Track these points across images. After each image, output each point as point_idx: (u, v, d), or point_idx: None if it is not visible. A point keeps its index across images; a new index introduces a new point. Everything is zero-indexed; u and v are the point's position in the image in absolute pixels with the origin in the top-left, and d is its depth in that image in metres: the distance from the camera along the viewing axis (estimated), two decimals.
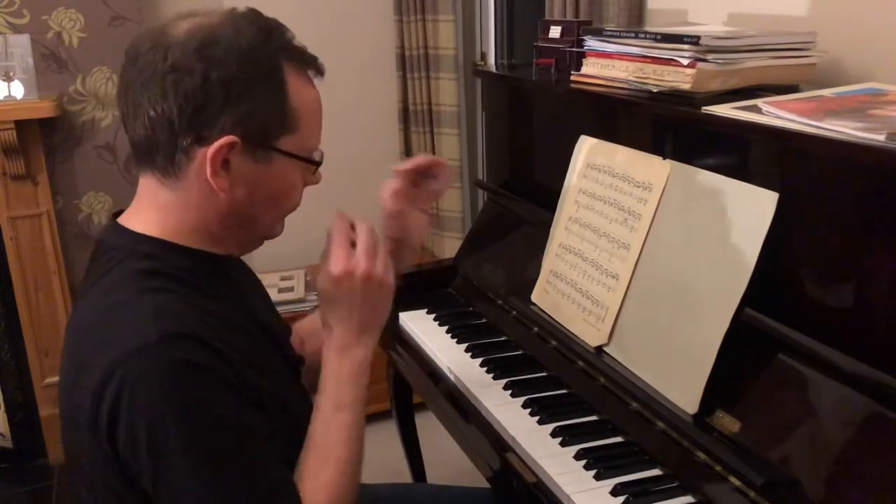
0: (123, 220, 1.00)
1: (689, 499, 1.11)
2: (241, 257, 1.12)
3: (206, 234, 0.99)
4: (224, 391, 0.88)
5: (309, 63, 1.00)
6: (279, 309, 1.32)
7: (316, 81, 1.01)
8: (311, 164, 1.01)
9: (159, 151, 0.94)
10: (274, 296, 2.34)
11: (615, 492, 1.13)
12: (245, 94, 0.91)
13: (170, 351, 0.85)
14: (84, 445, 0.90)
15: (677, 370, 1.17)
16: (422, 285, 1.87)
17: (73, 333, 0.96)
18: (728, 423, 1.11)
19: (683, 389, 1.15)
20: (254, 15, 0.97)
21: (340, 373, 1.02)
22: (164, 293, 0.91)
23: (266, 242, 1.23)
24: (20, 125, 2.32)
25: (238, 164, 0.94)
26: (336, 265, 1.02)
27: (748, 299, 1.11)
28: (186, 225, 0.98)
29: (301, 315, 1.61)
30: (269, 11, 0.99)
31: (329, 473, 0.98)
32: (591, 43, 1.50)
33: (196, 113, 0.90)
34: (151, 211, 0.98)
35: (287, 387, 1.07)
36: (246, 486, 0.88)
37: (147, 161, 0.96)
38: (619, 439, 1.25)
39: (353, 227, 1.06)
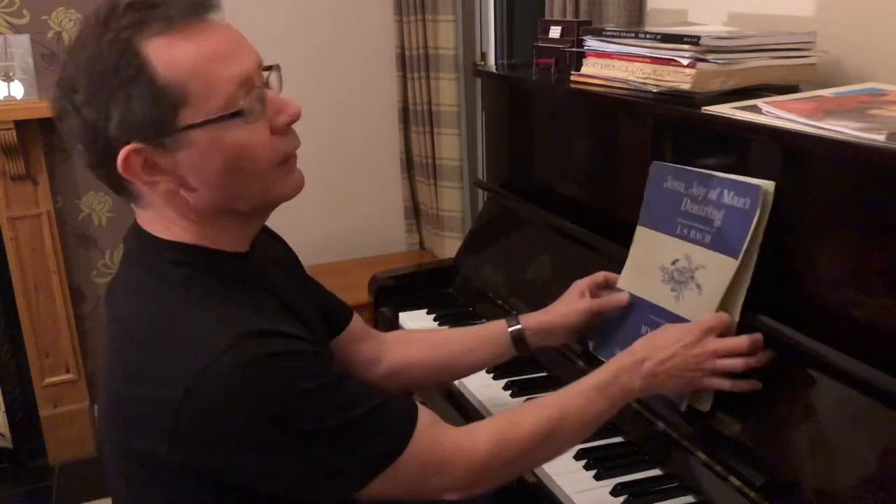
0: (151, 226, 0.97)
1: (689, 499, 1.11)
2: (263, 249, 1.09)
3: (217, 228, 0.96)
4: (308, 360, 0.90)
5: (174, 17, 0.86)
6: None
7: (216, 17, 0.91)
8: (229, 119, 0.88)
9: (111, 187, 0.95)
10: None
11: (615, 492, 1.13)
12: (111, 101, 0.86)
13: (245, 351, 0.84)
14: (143, 448, 0.89)
15: None
16: (422, 285, 1.87)
17: (123, 340, 0.93)
18: (728, 423, 1.11)
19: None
20: (97, 9, 0.89)
21: (617, 381, 1.07)
22: (212, 298, 0.91)
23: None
24: (20, 125, 2.32)
25: (164, 161, 0.89)
26: (710, 327, 1.10)
27: (749, 299, 1.11)
28: (191, 231, 0.95)
29: None
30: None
31: (547, 416, 1.02)
32: (591, 43, 1.50)
33: (93, 146, 0.89)
34: (164, 223, 0.96)
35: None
36: (370, 429, 0.91)
37: (119, 194, 0.97)
38: (619, 439, 1.25)
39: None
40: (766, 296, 1.14)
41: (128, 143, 0.87)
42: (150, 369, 0.87)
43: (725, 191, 1.14)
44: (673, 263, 1.21)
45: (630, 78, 1.40)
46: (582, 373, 1.36)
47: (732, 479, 1.06)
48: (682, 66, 1.29)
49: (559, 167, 1.69)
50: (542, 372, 1.46)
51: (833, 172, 1.06)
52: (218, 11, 0.91)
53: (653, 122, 1.37)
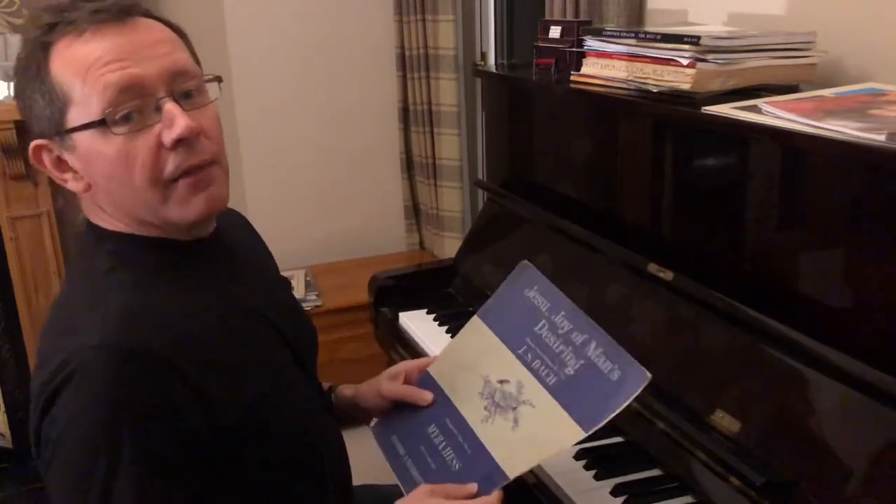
0: (93, 216, 0.97)
1: (689, 499, 1.11)
2: (234, 240, 1.07)
3: (142, 222, 0.93)
4: (153, 426, 0.82)
5: (80, 20, 0.86)
6: None
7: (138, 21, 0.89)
8: (98, 126, 0.85)
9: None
10: None
11: (615, 492, 1.13)
12: (22, 97, 0.90)
13: (110, 359, 0.81)
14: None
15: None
16: (422, 285, 1.87)
17: (39, 336, 0.94)
18: (728, 423, 1.11)
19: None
20: (31, 12, 0.94)
21: None
22: (125, 293, 0.88)
23: (267, 240, 1.23)
24: (20, 125, 2.31)
25: (69, 159, 0.91)
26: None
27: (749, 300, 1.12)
28: (123, 219, 0.93)
29: None
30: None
31: None
32: (591, 43, 1.50)
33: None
34: (100, 219, 0.96)
35: (279, 370, 1.01)
36: None
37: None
38: (619, 439, 1.25)
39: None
40: (766, 295, 1.14)
41: (39, 137, 0.90)
42: (43, 350, 0.88)
43: (595, 344, 0.99)
44: (500, 383, 1.05)
45: (630, 78, 1.40)
46: None
47: (732, 479, 1.06)
48: (682, 66, 1.29)
49: (559, 167, 1.69)
50: None
51: (833, 172, 1.06)
52: (136, 14, 0.89)
53: (653, 122, 1.37)
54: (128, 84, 0.85)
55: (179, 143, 0.87)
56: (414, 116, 2.94)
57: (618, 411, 0.92)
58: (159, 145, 0.87)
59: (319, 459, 1.03)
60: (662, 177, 1.37)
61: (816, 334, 1.05)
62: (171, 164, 0.88)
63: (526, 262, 1.12)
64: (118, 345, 0.82)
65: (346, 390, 1.22)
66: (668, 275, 1.29)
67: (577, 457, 1.20)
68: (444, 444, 1.05)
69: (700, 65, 1.28)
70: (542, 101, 1.75)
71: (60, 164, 0.91)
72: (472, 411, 1.06)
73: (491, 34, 2.90)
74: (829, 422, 1.02)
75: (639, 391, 0.92)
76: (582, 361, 0.99)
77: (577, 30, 1.64)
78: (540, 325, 1.05)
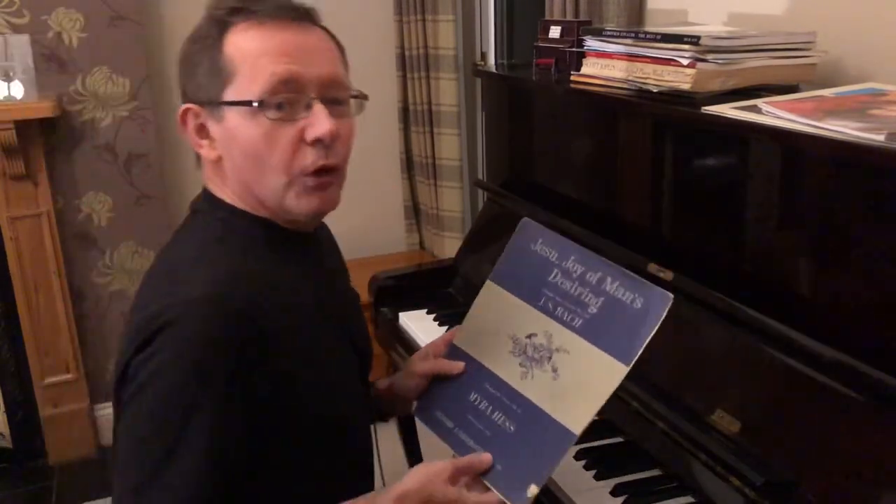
0: (211, 185, 1.05)
1: (689, 499, 1.11)
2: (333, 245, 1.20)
3: (257, 201, 1.00)
4: (236, 376, 0.89)
5: (261, 12, 0.96)
6: None
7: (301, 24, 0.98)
8: (249, 106, 0.94)
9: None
10: None
11: (615, 492, 1.13)
12: (188, 63, 0.99)
13: (217, 313, 0.88)
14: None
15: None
16: (422, 285, 1.87)
17: (143, 280, 1.02)
18: (728, 423, 1.11)
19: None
20: None
21: None
22: (230, 259, 0.96)
23: None
24: (20, 125, 2.31)
25: (211, 129, 0.99)
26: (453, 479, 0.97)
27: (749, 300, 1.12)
28: (241, 194, 1.01)
29: None
30: None
31: None
32: (591, 43, 1.50)
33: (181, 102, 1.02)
34: (220, 191, 1.04)
35: (340, 373, 1.07)
36: (168, 477, 0.86)
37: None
38: (619, 439, 1.25)
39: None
40: (766, 295, 1.14)
41: (190, 102, 0.99)
42: (143, 300, 0.96)
43: (610, 279, 1.01)
44: (529, 337, 1.06)
45: (630, 78, 1.40)
46: None
47: (732, 479, 1.06)
48: (682, 66, 1.29)
49: (559, 167, 1.69)
50: None
51: (833, 172, 1.06)
52: (311, 21, 1.00)
53: (653, 122, 1.37)
54: (289, 78, 0.94)
55: (318, 142, 0.95)
56: (414, 116, 2.94)
57: (650, 337, 0.94)
58: (300, 139, 0.96)
59: (353, 443, 1.10)
60: (662, 177, 1.37)
61: (816, 334, 1.05)
62: (307, 158, 0.96)
63: (526, 218, 1.14)
64: (218, 300, 0.89)
65: (382, 383, 1.28)
66: (668, 275, 1.29)
67: (577, 457, 1.20)
68: (490, 408, 1.06)
69: (700, 65, 1.28)
70: (542, 101, 1.75)
71: (201, 130, 1.00)
72: (508, 371, 1.06)
73: (491, 34, 2.90)
74: (829, 422, 1.02)
75: (664, 313, 0.94)
76: (602, 298, 1.01)
77: (577, 30, 1.64)
78: (553, 274, 1.07)
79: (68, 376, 2.62)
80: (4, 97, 2.34)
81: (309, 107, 0.96)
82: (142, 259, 2.71)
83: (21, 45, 2.35)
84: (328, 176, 0.98)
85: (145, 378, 0.88)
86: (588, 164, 1.60)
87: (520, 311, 1.09)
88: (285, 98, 0.94)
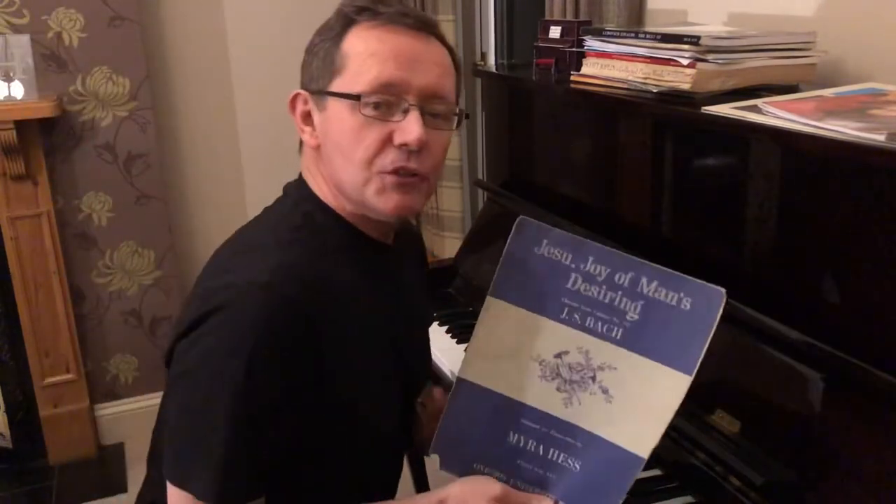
0: (307, 174, 1.08)
1: (689, 499, 1.11)
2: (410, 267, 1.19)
3: (343, 195, 1.02)
4: (277, 367, 0.91)
5: (386, 15, 1.00)
6: None
7: (417, 33, 1.00)
8: (350, 98, 0.97)
9: None
10: None
11: None
12: (309, 52, 1.04)
13: (269, 301, 0.90)
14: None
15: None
16: None
17: (215, 251, 1.06)
18: (728, 423, 1.11)
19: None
20: None
21: None
22: (296, 251, 0.98)
23: None
24: (20, 125, 2.31)
25: (315, 117, 1.03)
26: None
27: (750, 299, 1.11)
28: (331, 188, 1.03)
29: None
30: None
31: None
32: (591, 43, 1.50)
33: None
34: (314, 181, 1.07)
35: (381, 387, 1.06)
36: (203, 455, 0.91)
37: None
38: None
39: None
40: (767, 295, 1.14)
41: (303, 88, 1.04)
42: (209, 272, 1.01)
43: (645, 279, 0.90)
44: (559, 356, 0.92)
45: (630, 78, 1.40)
46: None
47: (732, 479, 1.06)
48: (682, 66, 1.29)
49: (559, 167, 1.69)
50: None
51: (833, 172, 1.06)
52: (430, 32, 1.02)
53: (653, 122, 1.37)
54: (391, 81, 0.97)
55: (404, 146, 0.97)
56: None
57: (709, 340, 0.85)
58: (388, 139, 0.97)
59: (381, 457, 1.12)
60: (662, 177, 1.37)
61: (816, 334, 1.04)
62: (388, 157, 0.98)
63: (522, 216, 1.00)
64: (272, 288, 0.91)
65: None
66: None
67: None
68: (541, 447, 0.93)
69: (700, 65, 1.28)
70: (542, 101, 1.75)
71: (307, 117, 1.04)
72: (545, 400, 0.93)
73: (491, 34, 2.90)
74: (829, 422, 1.02)
75: (720, 311, 0.85)
76: (641, 302, 0.89)
77: (577, 30, 1.64)
78: (571, 280, 0.93)
79: (68, 376, 2.62)
80: (4, 97, 2.34)
81: (406, 112, 0.97)
82: (142, 259, 2.71)
83: (21, 45, 2.35)
84: (410, 179, 0.99)
85: (194, 360, 0.92)
86: (588, 165, 1.60)
87: (538, 328, 0.94)
88: (383, 99, 0.97)
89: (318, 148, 1.03)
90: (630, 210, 1.47)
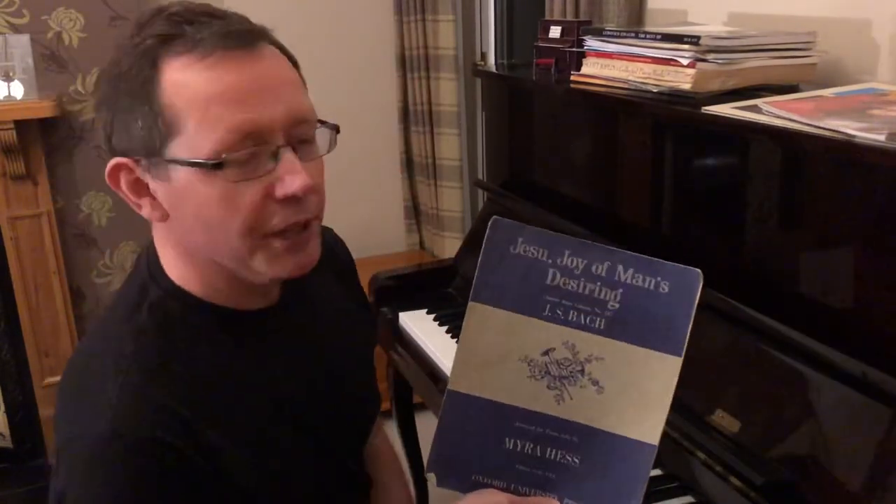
0: (157, 244, 0.91)
1: (689, 499, 1.11)
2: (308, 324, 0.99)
3: (210, 266, 0.86)
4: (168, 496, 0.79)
5: (204, 40, 0.78)
6: None
7: (259, 53, 0.81)
8: (209, 168, 0.77)
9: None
10: None
11: None
12: (114, 108, 0.82)
13: (113, 454, 0.77)
14: None
15: None
16: (422, 285, 1.87)
17: (63, 374, 0.89)
18: (728, 423, 1.11)
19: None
20: (139, 15, 0.83)
21: None
22: (140, 362, 0.82)
23: None
24: (20, 125, 2.31)
25: (151, 185, 0.82)
26: None
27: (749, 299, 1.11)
28: (191, 269, 0.87)
29: None
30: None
31: None
32: (591, 43, 1.50)
33: (105, 150, 0.85)
34: (169, 254, 0.90)
35: (290, 464, 0.92)
36: None
37: None
38: None
39: None
40: (766, 295, 1.14)
41: (121, 155, 0.82)
42: (57, 410, 0.85)
43: (621, 267, 0.90)
44: (546, 354, 0.92)
45: (630, 78, 1.40)
46: None
47: (732, 479, 1.06)
48: (683, 66, 1.29)
49: (559, 167, 1.69)
50: None
51: (833, 172, 1.06)
52: (263, 41, 0.83)
53: (653, 122, 1.37)
54: (250, 130, 0.78)
55: (290, 198, 0.80)
56: (414, 116, 2.94)
57: (692, 320, 0.86)
58: (266, 196, 0.80)
59: None
60: (662, 177, 1.37)
61: (816, 334, 1.04)
62: (276, 218, 0.81)
63: (495, 217, 0.97)
64: (120, 438, 0.77)
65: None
66: None
67: None
68: (537, 448, 0.92)
69: (700, 65, 1.28)
70: (542, 101, 1.75)
71: (139, 187, 0.83)
72: (536, 400, 0.92)
73: (491, 34, 2.90)
74: (829, 422, 1.02)
75: (699, 291, 0.86)
76: (620, 290, 0.89)
77: (577, 30, 1.64)
78: (550, 276, 0.92)
79: None
80: (4, 97, 2.34)
81: (276, 156, 0.79)
82: None
83: (21, 45, 2.35)
84: (304, 233, 0.84)
85: None
86: (588, 164, 1.59)
87: (524, 328, 0.92)
88: (248, 154, 0.78)
89: (166, 218, 0.84)
90: (630, 210, 1.47)
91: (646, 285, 0.89)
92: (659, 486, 1.13)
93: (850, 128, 1.01)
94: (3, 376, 2.58)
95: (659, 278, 0.89)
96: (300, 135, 0.83)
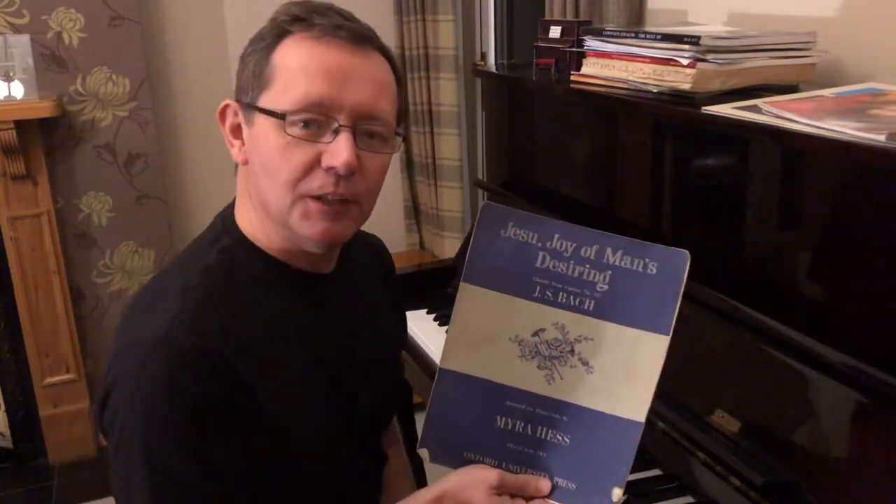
0: (238, 197, 1.02)
1: (689, 499, 1.11)
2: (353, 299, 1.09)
3: (270, 218, 0.96)
4: (202, 415, 0.87)
5: (320, 26, 0.93)
6: None
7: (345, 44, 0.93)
8: (276, 115, 0.91)
9: None
10: None
11: None
12: (242, 61, 0.97)
13: (167, 357, 0.86)
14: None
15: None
16: (422, 285, 1.87)
17: (134, 296, 1.02)
18: (728, 423, 1.11)
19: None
20: (287, 5, 0.99)
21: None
22: (203, 293, 0.92)
23: None
24: (20, 125, 2.32)
25: (244, 131, 0.96)
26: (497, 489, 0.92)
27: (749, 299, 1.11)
28: (258, 220, 0.98)
29: None
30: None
31: None
32: (591, 43, 1.50)
33: None
34: (244, 203, 1.01)
35: (322, 423, 1.00)
36: None
37: None
38: None
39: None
40: (766, 295, 1.14)
41: (234, 98, 0.97)
42: (119, 331, 0.96)
43: (610, 249, 0.93)
44: (536, 334, 0.94)
45: (630, 78, 1.40)
46: None
47: (732, 479, 1.06)
48: (682, 66, 1.29)
49: (559, 167, 1.69)
50: None
51: (833, 172, 1.06)
52: (370, 46, 0.95)
53: (653, 122, 1.37)
54: (320, 100, 0.90)
55: (332, 170, 0.91)
56: (414, 116, 2.94)
57: (679, 300, 0.89)
58: (315, 162, 0.91)
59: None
60: (662, 177, 1.37)
61: (816, 334, 1.05)
62: (318, 181, 0.91)
63: (487, 202, 1.01)
64: (170, 345, 0.86)
65: None
66: None
67: None
68: (528, 427, 0.94)
69: (700, 65, 1.28)
70: (542, 101, 1.75)
71: (236, 130, 0.98)
72: (527, 379, 0.94)
73: (491, 34, 2.90)
74: (829, 422, 1.02)
75: (686, 271, 0.89)
76: (609, 272, 0.92)
77: (577, 30, 1.64)
78: (539, 258, 0.95)
79: (68, 376, 2.62)
80: (4, 97, 2.34)
81: (336, 133, 0.91)
82: (141, 259, 2.71)
83: (21, 45, 2.35)
84: (337, 206, 0.93)
85: (115, 439, 0.88)
86: (588, 164, 1.60)
87: (514, 309, 0.95)
88: (311, 118, 0.90)
89: (246, 163, 0.97)
90: (630, 210, 1.47)
91: (634, 267, 0.92)
92: (659, 486, 1.13)
93: (849, 128, 1.01)
94: (3, 376, 2.59)
95: (647, 260, 0.91)
96: (366, 127, 0.93)
